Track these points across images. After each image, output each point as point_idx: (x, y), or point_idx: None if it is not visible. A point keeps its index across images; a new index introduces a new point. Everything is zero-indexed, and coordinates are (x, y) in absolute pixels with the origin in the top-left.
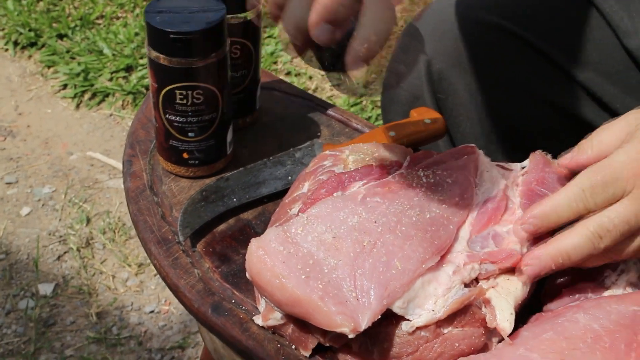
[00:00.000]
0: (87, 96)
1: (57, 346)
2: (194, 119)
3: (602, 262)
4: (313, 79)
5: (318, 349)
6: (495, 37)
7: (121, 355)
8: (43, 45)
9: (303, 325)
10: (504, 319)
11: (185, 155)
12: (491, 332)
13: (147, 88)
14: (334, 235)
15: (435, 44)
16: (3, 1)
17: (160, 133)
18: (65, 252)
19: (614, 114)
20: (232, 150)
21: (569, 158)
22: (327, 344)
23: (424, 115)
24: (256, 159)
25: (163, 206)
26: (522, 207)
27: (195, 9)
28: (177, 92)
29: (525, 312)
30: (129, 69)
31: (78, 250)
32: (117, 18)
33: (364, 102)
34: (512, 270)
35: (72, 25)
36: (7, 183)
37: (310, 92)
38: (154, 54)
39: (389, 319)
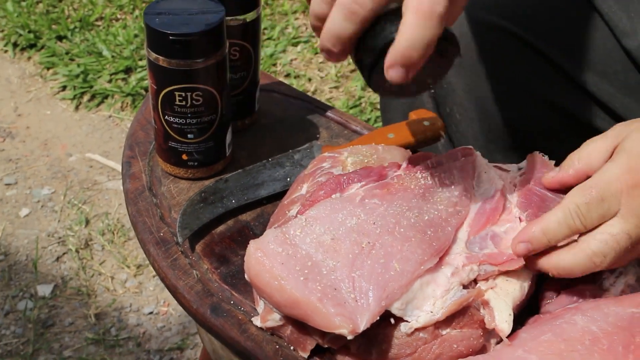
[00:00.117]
0: (86, 98)
1: (55, 347)
2: (193, 120)
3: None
4: (312, 81)
5: (316, 350)
6: (494, 37)
7: (120, 356)
8: (42, 47)
9: (302, 326)
10: (502, 320)
11: (184, 157)
12: (489, 334)
13: (146, 90)
14: (333, 236)
15: None
16: (2, 2)
17: (160, 134)
18: (64, 253)
19: (612, 114)
20: (231, 151)
21: (557, 170)
22: (326, 346)
23: (423, 117)
24: (255, 160)
25: (162, 207)
26: (519, 207)
27: (195, 10)
28: (177, 93)
29: (523, 314)
30: (128, 70)
31: (77, 251)
32: (117, 20)
33: (363, 105)
34: (511, 271)
35: (72, 26)
36: (6, 184)
37: (309, 94)
38: (153, 55)
39: (388, 321)
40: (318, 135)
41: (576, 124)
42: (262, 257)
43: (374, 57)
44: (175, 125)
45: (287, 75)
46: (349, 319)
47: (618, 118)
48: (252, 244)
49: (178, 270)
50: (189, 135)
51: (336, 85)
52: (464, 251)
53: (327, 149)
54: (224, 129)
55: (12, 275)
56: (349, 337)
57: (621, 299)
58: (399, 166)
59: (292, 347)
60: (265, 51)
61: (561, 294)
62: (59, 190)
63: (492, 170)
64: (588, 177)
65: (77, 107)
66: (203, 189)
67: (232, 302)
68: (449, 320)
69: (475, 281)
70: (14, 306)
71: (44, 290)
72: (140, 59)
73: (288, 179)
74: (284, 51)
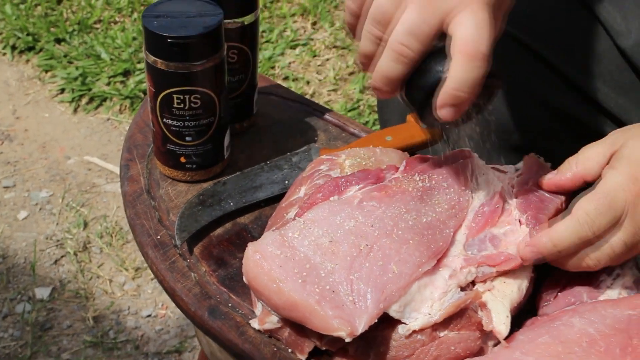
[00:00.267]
0: (84, 100)
1: (53, 350)
2: (191, 123)
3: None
4: (310, 84)
5: (314, 353)
6: None
7: (118, 359)
8: (41, 50)
9: (300, 329)
10: (500, 322)
11: (182, 160)
12: (487, 336)
13: (144, 92)
14: (331, 239)
15: None
16: (1, 5)
17: (158, 137)
18: (62, 256)
19: (608, 114)
20: (229, 154)
21: (554, 173)
22: (324, 348)
23: None
24: (253, 163)
25: (160, 210)
26: (519, 208)
27: (193, 13)
28: (175, 96)
29: (521, 316)
30: (126, 73)
31: (75, 254)
32: (115, 22)
33: (361, 107)
34: (508, 273)
35: (70, 29)
36: (4, 187)
37: (307, 97)
38: (152, 58)
39: (386, 323)
40: (316, 138)
41: (573, 124)
42: (260, 259)
43: (423, 96)
44: (173, 128)
45: (286, 78)
46: (347, 322)
47: (613, 118)
48: (251, 247)
49: (176, 273)
50: (187, 138)
51: (334, 88)
52: (462, 253)
53: (325, 152)
54: (222, 131)
55: (10, 278)
56: (347, 340)
57: (618, 301)
58: (397, 169)
59: (290, 350)
60: (263, 54)
61: (558, 296)
62: (57, 193)
63: (490, 172)
64: (585, 181)
65: (75, 110)
66: (201, 191)
67: (230, 304)
68: (447, 322)
69: (473, 283)
70: (12, 309)
71: (42, 293)
72: (139, 62)
73: (286, 182)
74: (282, 54)
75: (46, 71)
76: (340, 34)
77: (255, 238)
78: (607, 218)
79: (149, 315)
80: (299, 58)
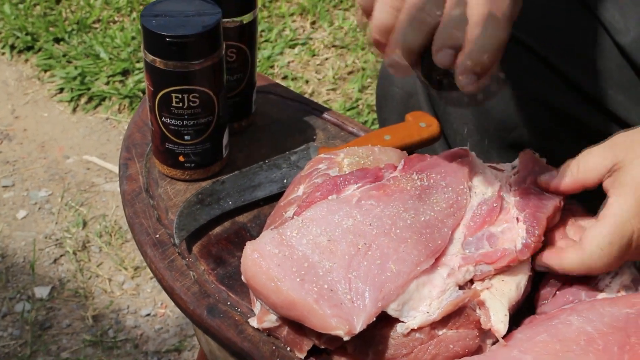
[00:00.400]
0: (83, 100)
1: (53, 349)
2: (190, 122)
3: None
4: (309, 83)
5: (313, 351)
6: None
7: (117, 358)
8: (40, 49)
9: (298, 327)
10: (498, 321)
11: (181, 158)
12: (485, 334)
13: (143, 92)
14: (329, 238)
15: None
16: (0, 5)
17: (157, 136)
18: (61, 255)
19: (607, 112)
20: (227, 153)
21: (554, 175)
22: (322, 346)
23: (419, 119)
24: (252, 162)
25: (159, 209)
26: (517, 207)
27: (191, 12)
28: (173, 95)
29: (519, 314)
30: (125, 72)
31: (74, 253)
32: (114, 22)
33: (360, 107)
34: (506, 272)
35: (69, 29)
36: (3, 186)
37: (306, 96)
38: (150, 57)
39: (384, 321)
40: (314, 137)
41: (573, 124)
42: (259, 258)
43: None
44: (172, 127)
45: (285, 78)
46: (346, 320)
47: (613, 117)
48: (249, 246)
49: (175, 272)
50: (186, 137)
51: (333, 87)
52: (460, 252)
53: (324, 151)
54: (220, 130)
55: (10, 277)
56: (346, 338)
57: (616, 299)
58: (395, 167)
59: (288, 348)
60: (262, 53)
61: (557, 295)
62: (56, 193)
63: (488, 170)
64: (584, 187)
65: (74, 110)
66: (200, 190)
67: (228, 303)
68: (445, 320)
69: (471, 282)
70: (11, 308)
71: (42, 292)
72: (138, 61)
73: (285, 181)
74: (281, 53)
75: (45, 71)
76: (340, 34)
77: (253, 237)
78: (616, 248)
79: (148, 314)
80: (298, 57)
